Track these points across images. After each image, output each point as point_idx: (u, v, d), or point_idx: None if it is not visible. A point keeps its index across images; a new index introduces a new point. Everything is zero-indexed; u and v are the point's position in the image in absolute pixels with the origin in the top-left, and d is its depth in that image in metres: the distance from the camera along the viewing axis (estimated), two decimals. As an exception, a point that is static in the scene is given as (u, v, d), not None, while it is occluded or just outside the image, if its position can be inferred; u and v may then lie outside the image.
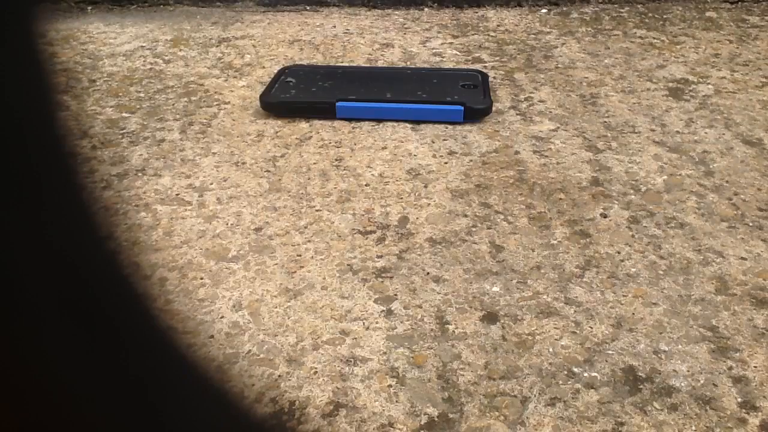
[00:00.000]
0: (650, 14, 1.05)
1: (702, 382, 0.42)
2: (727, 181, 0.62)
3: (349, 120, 0.73)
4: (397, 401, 0.41)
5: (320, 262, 0.53)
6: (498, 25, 1.00)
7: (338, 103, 0.73)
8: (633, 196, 0.60)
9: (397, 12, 1.05)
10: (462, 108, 0.72)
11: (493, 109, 0.75)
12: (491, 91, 0.77)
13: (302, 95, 0.75)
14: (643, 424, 0.40)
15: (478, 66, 0.86)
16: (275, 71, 0.82)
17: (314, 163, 0.66)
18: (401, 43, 0.94)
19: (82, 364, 0.12)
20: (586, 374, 0.43)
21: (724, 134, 0.71)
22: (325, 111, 0.73)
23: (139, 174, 0.64)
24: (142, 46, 0.92)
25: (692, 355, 0.44)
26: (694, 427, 0.39)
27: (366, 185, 0.62)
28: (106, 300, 0.13)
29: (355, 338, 0.46)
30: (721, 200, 0.60)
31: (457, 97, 0.74)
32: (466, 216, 0.58)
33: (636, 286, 0.50)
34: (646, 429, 0.39)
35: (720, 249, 0.54)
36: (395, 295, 0.49)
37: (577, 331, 0.46)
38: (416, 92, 0.75)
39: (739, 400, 0.41)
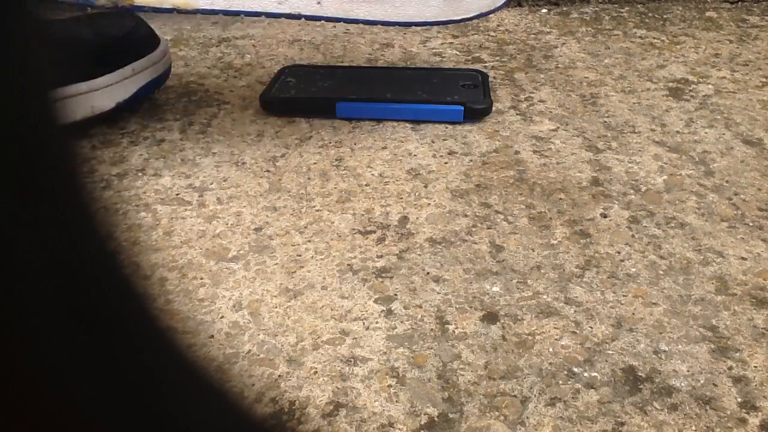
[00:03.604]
0: (650, 14, 1.05)
1: (702, 382, 0.42)
2: (727, 181, 0.62)
3: (349, 120, 0.73)
4: (397, 401, 0.41)
5: (320, 262, 0.53)
6: (498, 25, 1.00)
7: (338, 103, 0.73)
8: (633, 196, 0.60)
9: (397, 12, 1.05)
10: (462, 108, 0.72)
11: (493, 109, 0.75)
12: (491, 91, 0.77)
13: (302, 95, 0.75)
14: (643, 424, 0.40)
15: (478, 66, 0.86)
16: (275, 71, 0.82)
17: (314, 163, 0.66)
18: (401, 43, 0.94)
19: (81, 364, 0.12)
20: (586, 374, 0.43)
21: (724, 134, 0.71)
22: (325, 110, 0.73)
23: (139, 174, 0.64)
24: (142, 46, 0.92)
25: (692, 355, 0.44)
26: (694, 427, 0.39)
27: (366, 185, 0.62)
28: (105, 300, 0.13)
29: (355, 338, 0.46)
30: (721, 200, 0.60)
31: (457, 96, 0.74)
32: (466, 216, 0.58)
33: (636, 286, 0.50)
34: (646, 429, 0.39)
35: (720, 249, 0.54)
36: (395, 295, 0.49)
37: (577, 331, 0.46)
38: (416, 92, 0.75)
39: (739, 400, 0.41)
